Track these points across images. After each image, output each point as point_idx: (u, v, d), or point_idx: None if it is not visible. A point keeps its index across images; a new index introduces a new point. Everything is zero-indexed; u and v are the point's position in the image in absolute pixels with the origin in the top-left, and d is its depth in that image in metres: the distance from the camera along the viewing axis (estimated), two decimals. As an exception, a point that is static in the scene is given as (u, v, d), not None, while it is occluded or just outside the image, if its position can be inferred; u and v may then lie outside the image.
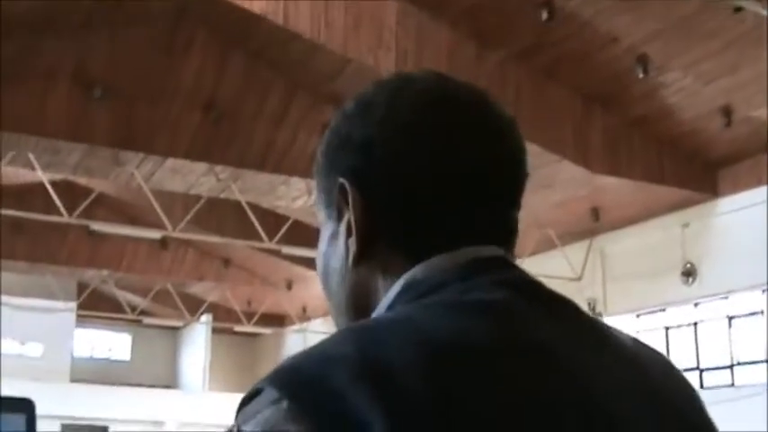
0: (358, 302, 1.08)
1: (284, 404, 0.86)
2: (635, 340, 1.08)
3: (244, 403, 0.91)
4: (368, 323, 0.99)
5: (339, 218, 1.09)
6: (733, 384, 15.04)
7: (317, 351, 0.92)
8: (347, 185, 1.06)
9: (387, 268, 1.05)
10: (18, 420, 1.59)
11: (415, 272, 1.03)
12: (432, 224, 1.05)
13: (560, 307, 1.03)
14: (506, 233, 1.09)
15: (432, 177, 1.05)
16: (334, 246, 1.10)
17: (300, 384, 0.87)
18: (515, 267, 1.05)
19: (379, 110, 1.09)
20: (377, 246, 1.06)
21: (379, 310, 1.04)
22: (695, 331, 15.89)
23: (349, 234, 1.07)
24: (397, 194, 1.05)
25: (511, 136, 1.11)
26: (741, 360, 15.13)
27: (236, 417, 0.91)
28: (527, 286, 1.02)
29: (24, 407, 1.63)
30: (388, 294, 1.04)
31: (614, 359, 1.00)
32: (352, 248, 1.06)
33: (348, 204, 1.06)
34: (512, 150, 1.10)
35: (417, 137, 1.07)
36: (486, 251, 1.05)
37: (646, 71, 12.59)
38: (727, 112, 13.31)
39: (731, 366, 15.24)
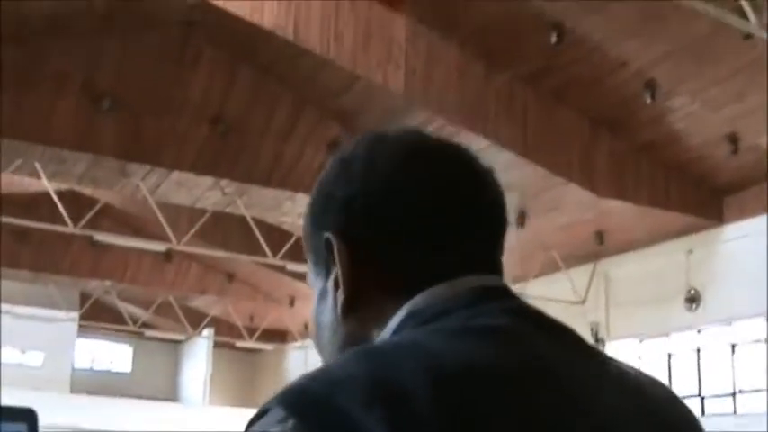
0: None
1: (290, 423, 0.87)
2: (636, 369, 1.09)
3: (251, 423, 0.91)
4: (375, 346, 1.00)
5: (327, 275, 1.10)
6: (735, 412, 14.97)
7: (325, 372, 0.93)
8: (332, 239, 1.07)
9: (378, 316, 1.06)
10: (20, 430, 1.59)
11: (416, 301, 1.04)
12: (424, 263, 1.06)
13: (563, 334, 1.04)
14: (495, 269, 1.10)
15: (420, 220, 1.06)
16: (324, 303, 1.11)
17: (307, 404, 0.88)
18: (517, 297, 1.07)
19: (360, 163, 1.10)
20: (366, 295, 1.06)
21: (383, 335, 1.04)
22: (698, 358, 15.83)
23: (337, 287, 1.07)
24: (384, 241, 1.06)
25: (493, 182, 1.13)
26: (743, 388, 15.06)
27: None
28: (530, 314, 1.03)
29: (26, 416, 1.63)
30: (390, 323, 1.04)
31: (618, 386, 1.01)
32: (341, 299, 1.07)
33: (334, 258, 1.07)
34: (494, 196, 1.12)
35: (402, 184, 1.08)
36: (487, 280, 1.07)
37: (653, 97, 12.60)
38: (733, 139, 13.30)
39: (733, 394, 15.17)
